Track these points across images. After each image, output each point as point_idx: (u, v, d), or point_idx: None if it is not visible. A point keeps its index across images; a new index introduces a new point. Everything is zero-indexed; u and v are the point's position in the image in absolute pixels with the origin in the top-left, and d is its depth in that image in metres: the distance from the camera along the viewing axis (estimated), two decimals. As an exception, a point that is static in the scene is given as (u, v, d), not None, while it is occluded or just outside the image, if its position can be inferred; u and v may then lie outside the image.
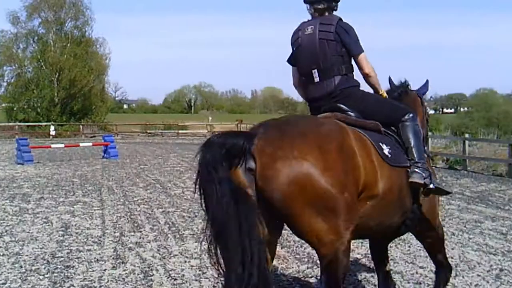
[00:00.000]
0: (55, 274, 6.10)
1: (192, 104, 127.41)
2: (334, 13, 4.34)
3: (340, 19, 4.23)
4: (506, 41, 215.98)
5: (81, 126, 46.88)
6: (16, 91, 50.90)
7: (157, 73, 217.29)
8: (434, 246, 4.58)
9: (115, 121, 52.72)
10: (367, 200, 3.57)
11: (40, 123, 46.20)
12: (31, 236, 8.03)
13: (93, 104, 53.32)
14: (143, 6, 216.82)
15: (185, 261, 6.65)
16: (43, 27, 52.34)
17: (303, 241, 7.41)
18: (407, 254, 6.83)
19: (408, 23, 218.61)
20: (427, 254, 6.63)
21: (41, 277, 6.01)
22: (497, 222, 8.86)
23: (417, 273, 6.09)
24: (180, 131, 46.15)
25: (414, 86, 5.07)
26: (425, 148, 4.37)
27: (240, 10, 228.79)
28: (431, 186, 3.99)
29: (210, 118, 57.07)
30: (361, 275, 6.00)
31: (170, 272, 6.18)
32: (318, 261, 3.64)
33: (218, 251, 3.34)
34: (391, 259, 6.58)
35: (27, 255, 6.92)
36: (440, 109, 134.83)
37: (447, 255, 6.30)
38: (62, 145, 25.71)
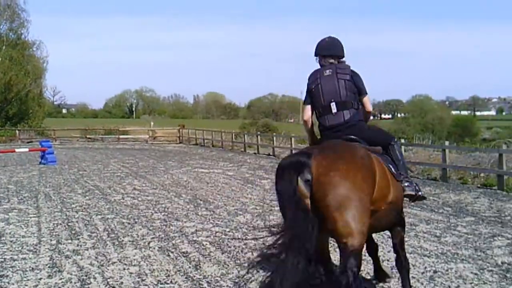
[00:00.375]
0: (-12, 284, 5.92)
1: (134, 109, 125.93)
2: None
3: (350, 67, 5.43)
4: (441, 48, 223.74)
5: (17, 131, 45.47)
6: None
7: (97, 77, 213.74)
8: (402, 242, 5.35)
9: (53, 126, 51.51)
10: (383, 206, 4.66)
11: (-27, 129, 44.61)
12: (-37, 245, 7.75)
13: (29, 108, 51.89)
14: (82, 8, 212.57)
15: (124, 268, 6.56)
16: (-24, 29, 50.60)
17: (244, 246, 7.53)
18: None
19: (343, 28, 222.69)
20: (364, 257, 6.84)
21: (-28, 287, 5.82)
22: (431, 225, 9.14)
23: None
24: (121, 136, 45.50)
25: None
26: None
27: (181, 12, 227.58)
28: (420, 193, 5.31)
29: (152, 123, 56.50)
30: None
31: (109, 280, 6.08)
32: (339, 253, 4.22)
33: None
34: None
35: (-43, 265, 6.68)
36: (378, 115, 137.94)
37: (383, 258, 6.51)
38: (-3, 151, 24.93)
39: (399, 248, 5.29)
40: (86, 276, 6.24)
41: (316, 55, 5.53)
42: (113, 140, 44.27)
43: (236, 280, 6.06)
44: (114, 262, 6.83)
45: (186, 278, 6.16)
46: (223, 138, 35.06)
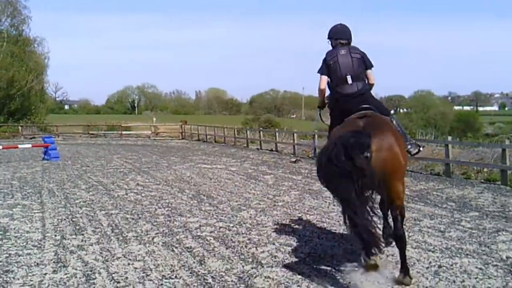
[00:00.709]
0: (-7, 280, 5.93)
1: (136, 105, 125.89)
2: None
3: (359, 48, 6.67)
4: (442, 43, 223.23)
5: (20, 127, 45.49)
6: None
7: (99, 73, 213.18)
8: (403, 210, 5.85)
9: (56, 122, 51.51)
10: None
11: (-24, 124, 44.66)
12: (-33, 240, 7.78)
13: (32, 104, 51.88)
14: (84, 6, 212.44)
15: (129, 264, 6.57)
16: (-23, 25, 50.58)
17: (248, 241, 7.54)
18: (349, 253, 6.96)
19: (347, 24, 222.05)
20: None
21: (-22, 282, 5.83)
22: (435, 220, 9.14)
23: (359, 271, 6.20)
24: (123, 132, 45.53)
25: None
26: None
27: (183, 11, 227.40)
28: (420, 148, 6.63)
29: (154, 119, 56.50)
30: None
31: (113, 275, 6.10)
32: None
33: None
34: (334, 257, 6.73)
35: (-37, 261, 6.70)
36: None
37: (388, 253, 6.52)
38: (0, 147, 24.94)
39: (400, 217, 5.67)
40: (91, 271, 6.26)
41: (329, 38, 6.78)
42: (116, 136, 44.30)
43: (241, 275, 6.07)
44: (119, 257, 6.85)
45: (190, 273, 6.17)
46: (226, 134, 35.05)
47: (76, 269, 6.33)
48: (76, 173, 16.93)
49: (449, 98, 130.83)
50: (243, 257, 6.85)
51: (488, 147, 17.88)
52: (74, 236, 8.04)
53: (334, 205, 10.43)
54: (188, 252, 7.10)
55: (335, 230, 8.31)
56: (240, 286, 5.73)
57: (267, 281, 5.88)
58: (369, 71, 6.63)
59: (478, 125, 73.70)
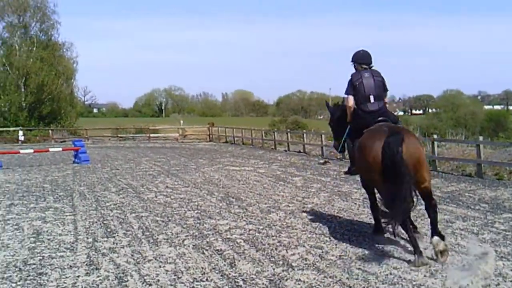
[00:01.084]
0: (28, 282, 6.02)
1: (163, 108, 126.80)
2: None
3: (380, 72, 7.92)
4: (472, 42, 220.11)
5: (50, 131, 46.18)
6: (-18, 96, 49.97)
7: (126, 76, 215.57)
8: (430, 190, 7.06)
9: (85, 126, 52.18)
10: None
11: (8, 128, 45.44)
12: (2, 243, 7.90)
13: (62, 108, 52.62)
14: (111, 9, 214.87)
15: (160, 266, 6.61)
16: (7, 30, 51.51)
17: (278, 244, 7.52)
18: (380, 255, 6.90)
19: (374, 23, 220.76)
20: (400, 255, 6.78)
21: (13, 284, 5.92)
22: (468, 222, 9.00)
23: (391, 273, 6.14)
24: (151, 135, 45.87)
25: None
26: None
27: (210, 12, 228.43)
28: None
29: (181, 122, 56.86)
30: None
31: (145, 277, 6.13)
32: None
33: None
34: (365, 260, 6.67)
35: (-2, 263, 6.81)
36: (409, 111, 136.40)
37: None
38: (31, 150, 25.32)
39: (430, 194, 6.99)
40: (123, 273, 6.31)
41: (352, 61, 8.00)
42: (144, 139, 44.67)
43: (272, 278, 6.05)
44: (150, 260, 6.89)
45: (221, 276, 6.17)
46: (253, 136, 35.08)
47: (108, 272, 6.38)
48: (106, 176, 17.11)
49: (479, 97, 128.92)
50: (273, 259, 6.83)
51: (521, 147, 17.54)
52: (105, 239, 8.12)
53: (364, 207, 10.38)
54: (219, 254, 7.11)
55: (366, 232, 8.24)
56: (271, 289, 5.72)
57: (298, 284, 5.85)
58: (384, 94, 7.92)
59: (510, 124, 72.32)
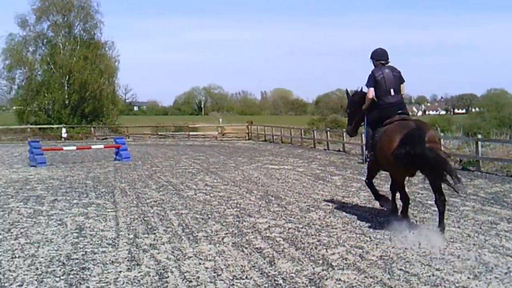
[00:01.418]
0: (71, 276, 6.13)
1: (202, 106, 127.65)
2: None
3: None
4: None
5: (92, 129, 47.06)
6: (27, 94, 51.22)
7: (166, 75, 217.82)
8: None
9: (126, 123, 52.91)
10: None
11: (52, 126, 46.45)
12: (46, 238, 8.08)
13: (104, 106, 53.55)
14: (152, 8, 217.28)
15: (200, 263, 6.64)
16: (52, 30, 52.64)
17: (317, 243, 7.47)
18: (422, 256, 6.78)
19: (417, 22, 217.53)
20: (443, 256, 6.65)
21: (57, 279, 6.04)
22: (512, 223, 8.78)
23: (433, 275, 6.03)
24: (191, 133, 46.18)
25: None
26: None
27: (249, 11, 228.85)
28: None
29: (220, 120, 57.10)
30: (376, 278, 5.97)
31: (185, 274, 6.17)
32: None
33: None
34: (407, 261, 6.57)
35: (42, 257, 6.95)
36: (451, 110, 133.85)
37: (464, 257, 6.31)
38: (74, 147, 25.92)
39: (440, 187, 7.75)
40: (163, 270, 6.36)
41: (371, 58, 8.95)
42: (183, 137, 45.02)
43: (311, 277, 6.01)
44: (190, 257, 6.93)
45: (261, 274, 6.16)
46: (292, 134, 34.97)
47: (149, 268, 6.45)
48: (146, 173, 17.31)
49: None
50: (313, 258, 6.79)
51: None
52: (146, 235, 8.21)
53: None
54: (258, 253, 7.11)
55: (408, 233, 8.10)
56: (311, 288, 5.69)
57: (339, 283, 5.80)
58: (402, 85, 8.74)
59: (556, 124, 70.25)
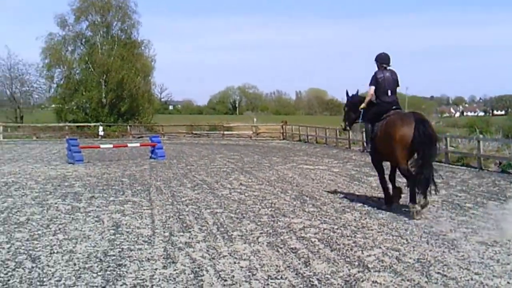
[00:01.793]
0: (108, 272, 6.20)
1: (237, 105, 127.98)
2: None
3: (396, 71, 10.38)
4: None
5: (128, 127, 47.66)
6: (65, 92, 52.18)
7: (201, 74, 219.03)
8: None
9: (161, 122, 53.36)
10: None
11: (89, 124, 47.19)
12: (84, 234, 8.19)
13: (140, 105, 54.18)
14: (188, 8, 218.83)
15: (235, 262, 6.64)
16: (91, 29, 53.54)
17: (353, 244, 7.40)
18: (461, 260, 6.66)
19: (454, 22, 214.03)
20: (482, 260, 6.52)
21: (94, 275, 6.11)
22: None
23: (472, 279, 5.91)
24: (225, 132, 46.33)
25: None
26: None
27: (284, 12, 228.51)
28: None
29: (255, 119, 57.20)
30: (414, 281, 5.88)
31: (220, 273, 6.18)
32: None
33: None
34: (445, 264, 6.45)
35: (80, 253, 7.05)
36: (490, 111, 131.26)
37: (503, 262, 6.18)
38: (111, 145, 26.24)
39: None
40: (198, 268, 6.38)
41: (376, 61, 10.22)
42: (218, 136, 45.21)
43: (347, 279, 5.96)
44: (225, 256, 6.94)
45: (296, 274, 6.13)
46: (327, 135, 34.77)
47: (184, 266, 6.48)
48: (181, 171, 17.43)
49: None
50: (348, 260, 6.73)
51: None
52: (181, 233, 8.25)
53: (443, 210, 10.09)
54: (293, 253, 7.08)
55: (445, 235, 7.98)
56: (347, 290, 5.64)
57: (375, 285, 5.73)
58: (397, 88, 10.20)
59: None
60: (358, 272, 6.21)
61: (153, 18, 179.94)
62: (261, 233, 8.28)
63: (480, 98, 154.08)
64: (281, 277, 6.02)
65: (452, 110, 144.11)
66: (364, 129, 14.11)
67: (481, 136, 21.81)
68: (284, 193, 12.47)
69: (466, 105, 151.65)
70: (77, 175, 16.40)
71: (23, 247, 7.38)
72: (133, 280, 5.93)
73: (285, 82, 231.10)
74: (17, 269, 6.34)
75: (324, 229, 8.53)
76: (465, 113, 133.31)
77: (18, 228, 8.64)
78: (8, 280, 5.90)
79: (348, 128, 11.77)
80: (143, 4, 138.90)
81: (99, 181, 14.78)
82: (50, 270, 6.29)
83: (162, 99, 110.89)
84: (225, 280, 5.92)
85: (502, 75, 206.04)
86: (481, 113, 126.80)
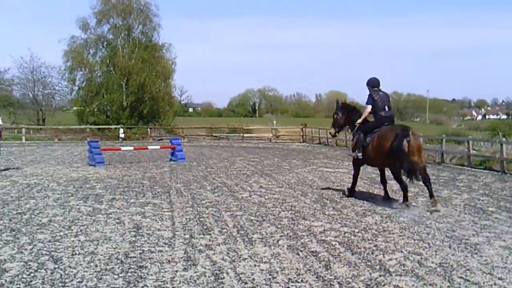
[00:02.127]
0: (129, 274, 6.22)
1: (257, 108, 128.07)
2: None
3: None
4: None
5: (148, 129, 47.94)
6: (87, 95, 52.71)
7: (221, 77, 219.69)
8: (425, 169, 10.65)
9: (181, 125, 53.62)
10: None
11: (110, 126, 47.60)
12: (105, 236, 8.24)
13: (160, 108, 54.51)
14: (208, 10, 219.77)
15: (255, 265, 6.63)
16: (112, 32, 54.08)
17: (374, 248, 7.35)
18: (484, 265, 6.57)
19: (477, 22, 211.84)
20: (505, 265, 6.43)
21: (115, 276, 6.14)
22: None
23: (495, 284, 5.83)
24: (245, 135, 46.36)
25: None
26: None
27: (303, 14, 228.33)
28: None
29: (274, 122, 57.16)
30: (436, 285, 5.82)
31: (241, 276, 6.17)
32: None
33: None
34: (467, 269, 6.38)
35: (101, 255, 7.09)
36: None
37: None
38: (131, 148, 26.44)
39: (424, 171, 10.39)
40: (219, 270, 6.38)
41: (367, 85, 11.50)
42: (238, 139, 45.27)
43: (368, 283, 5.91)
44: (245, 259, 6.93)
45: (316, 277, 6.10)
46: (347, 138, 34.59)
47: (205, 268, 6.48)
48: (201, 174, 17.48)
49: None
50: (369, 264, 6.68)
51: None
52: (202, 236, 8.26)
53: (465, 214, 9.98)
54: (314, 256, 7.04)
55: (468, 240, 7.89)
56: (368, 294, 5.59)
57: (396, 290, 5.68)
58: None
59: None
60: (380, 276, 6.16)
61: (174, 20, 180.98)
62: (281, 236, 8.26)
63: (503, 101, 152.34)
64: (302, 280, 5.99)
65: (474, 113, 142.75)
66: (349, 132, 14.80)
67: (504, 139, 21.56)
68: (304, 196, 12.44)
69: (489, 108, 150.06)
70: (98, 177, 16.53)
71: (45, 248, 7.44)
72: (154, 282, 5.95)
73: (305, 85, 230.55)
74: (39, 270, 6.40)
75: (345, 232, 8.49)
76: (487, 116, 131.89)
77: (40, 229, 8.72)
78: (31, 281, 5.95)
79: (337, 134, 13.52)
80: (164, 6, 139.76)
81: (120, 183, 14.87)
82: (72, 271, 6.33)
83: (182, 102, 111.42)
84: (246, 283, 5.91)
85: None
86: (504, 116, 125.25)
